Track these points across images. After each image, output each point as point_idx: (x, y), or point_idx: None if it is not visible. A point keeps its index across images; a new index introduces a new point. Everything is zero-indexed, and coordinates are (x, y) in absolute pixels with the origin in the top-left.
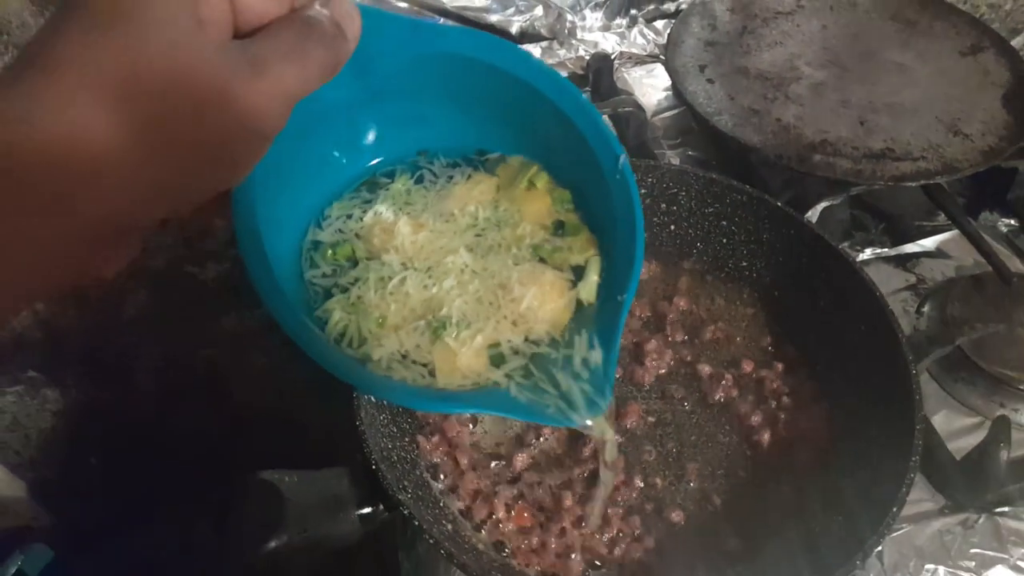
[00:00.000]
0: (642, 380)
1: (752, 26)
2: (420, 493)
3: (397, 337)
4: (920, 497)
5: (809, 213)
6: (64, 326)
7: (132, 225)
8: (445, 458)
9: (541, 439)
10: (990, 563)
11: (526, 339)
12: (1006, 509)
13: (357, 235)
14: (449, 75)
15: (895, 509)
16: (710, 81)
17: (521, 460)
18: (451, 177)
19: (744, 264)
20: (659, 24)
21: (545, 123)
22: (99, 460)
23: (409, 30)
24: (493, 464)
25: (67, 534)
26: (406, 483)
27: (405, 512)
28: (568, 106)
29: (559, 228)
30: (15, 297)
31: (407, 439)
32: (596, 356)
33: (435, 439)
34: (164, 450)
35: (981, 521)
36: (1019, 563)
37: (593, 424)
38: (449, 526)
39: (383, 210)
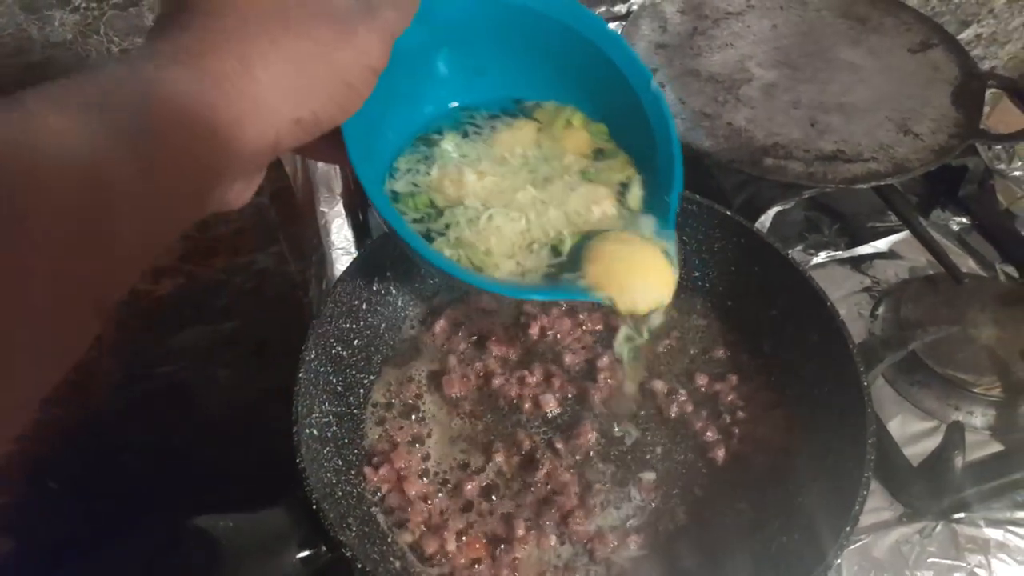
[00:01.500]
0: (595, 398)
1: (703, 27)
2: (366, 530)
3: (512, 260)
4: (878, 506)
5: (763, 217)
6: None
7: (271, 156)
8: (393, 490)
9: (491, 464)
10: (947, 572)
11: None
12: (963, 515)
13: (429, 187)
14: (494, 21)
15: (848, 528)
16: (661, 85)
17: (471, 487)
18: (494, 127)
19: (696, 275)
20: (611, 25)
21: (581, 59)
22: (60, 485)
23: None
24: (441, 494)
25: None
26: (350, 520)
27: (348, 554)
28: (600, 39)
29: (599, 155)
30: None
31: (353, 472)
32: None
33: (382, 471)
34: (124, 468)
35: (938, 529)
36: (976, 571)
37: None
38: (397, 563)
39: (446, 164)
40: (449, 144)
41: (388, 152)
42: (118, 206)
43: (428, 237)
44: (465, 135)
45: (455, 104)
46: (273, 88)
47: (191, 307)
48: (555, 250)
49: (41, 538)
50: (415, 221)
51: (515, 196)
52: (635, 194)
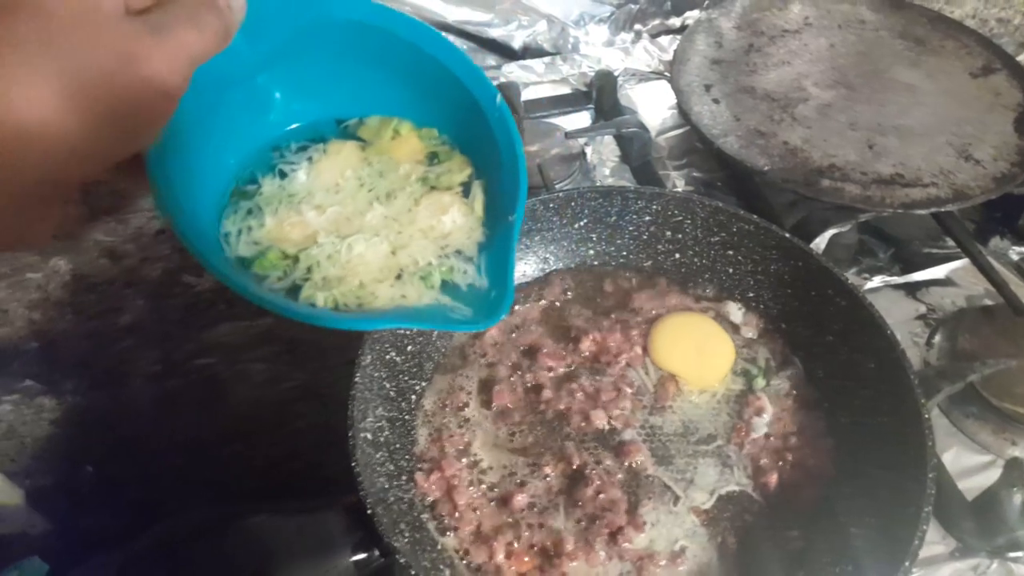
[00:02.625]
0: (645, 417)
1: (759, 44)
2: (417, 536)
3: (387, 285)
4: (931, 539)
5: (818, 240)
6: (61, 333)
7: (55, 189)
8: (443, 498)
9: (540, 477)
10: None
11: (442, 256)
12: (1019, 554)
13: (273, 239)
14: (335, 38)
15: (907, 563)
16: (715, 101)
17: (520, 499)
18: (310, 159)
19: (751, 295)
20: (664, 40)
21: (425, 76)
22: (95, 468)
23: None
24: (491, 504)
25: (62, 541)
26: (402, 526)
27: (401, 560)
28: (445, 56)
29: (434, 158)
30: None
31: (404, 477)
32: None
33: (433, 477)
34: (160, 459)
35: (993, 567)
36: None
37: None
38: (447, 571)
39: (277, 209)
40: (269, 187)
41: (215, 189)
42: None
43: (295, 288)
44: (283, 175)
45: (284, 128)
46: (41, 122)
47: (227, 303)
48: (425, 280)
49: (76, 521)
50: (280, 279)
51: (364, 219)
52: (478, 198)
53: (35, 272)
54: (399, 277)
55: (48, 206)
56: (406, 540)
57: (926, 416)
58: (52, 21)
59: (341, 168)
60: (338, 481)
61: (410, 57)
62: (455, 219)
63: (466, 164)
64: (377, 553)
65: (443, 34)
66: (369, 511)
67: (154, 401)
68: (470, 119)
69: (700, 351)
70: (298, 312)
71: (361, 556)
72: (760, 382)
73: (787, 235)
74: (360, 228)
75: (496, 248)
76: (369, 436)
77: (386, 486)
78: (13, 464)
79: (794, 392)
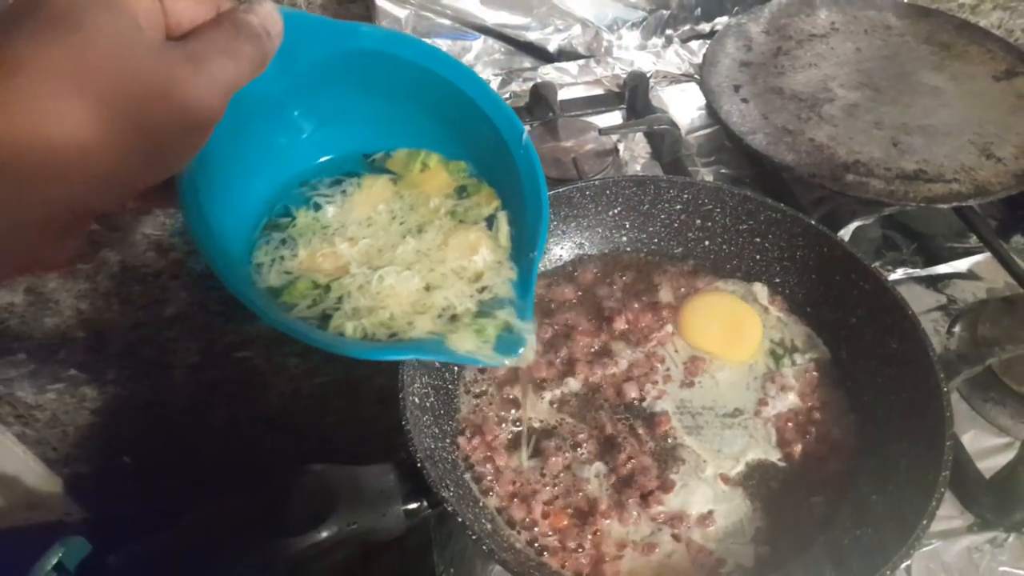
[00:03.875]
0: (676, 390)
1: (787, 47)
2: (461, 492)
3: (427, 317)
4: (949, 514)
5: (842, 232)
6: (107, 323)
7: (83, 214)
8: (484, 460)
9: (575, 444)
10: None
11: (472, 295)
12: None
13: (304, 269)
14: (365, 70)
15: (924, 522)
16: (744, 101)
17: (556, 463)
18: (344, 192)
19: (777, 281)
20: (694, 44)
21: (454, 110)
22: (133, 458)
23: (325, 28)
24: (529, 467)
25: (99, 529)
26: (448, 482)
27: (449, 508)
28: (475, 92)
29: (462, 191)
30: None
31: (448, 440)
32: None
33: (475, 441)
34: (196, 449)
35: (1010, 540)
36: None
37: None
38: (488, 525)
39: (310, 240)
40: (304, 219)
41: (247, 219)
42: None
43: (326, 317)
44: (317, 208)
45: (313, 162)
46: (81, 146)
47: None
48: (454, 318)
49: (112, 509)
50: (309, 307)
51: (396, 252)
52: (503, 231)
53: (85, 263)
54: (441, 316)
55: (72, 230)
56: (452, 493)
57: (945, 389)
58: (92, 48)
59: (374, 202)
60: (384, 436)
61: (439, 91)
62: (484, 257)
63: (493, 197)
64: (425, 504)
65: (481, 37)
66: (419, 464)
67: (193, 392)
68: (495, 154)
69: (730, 328)
70: (319, 339)
71: (412, 506)
72: (786, 361)
73: (813, 223)
74: (391, 261)
75: (516, 284)
76: (417, 400)
77: (432, 446)
78: (55, 452)
79: (819, 371)
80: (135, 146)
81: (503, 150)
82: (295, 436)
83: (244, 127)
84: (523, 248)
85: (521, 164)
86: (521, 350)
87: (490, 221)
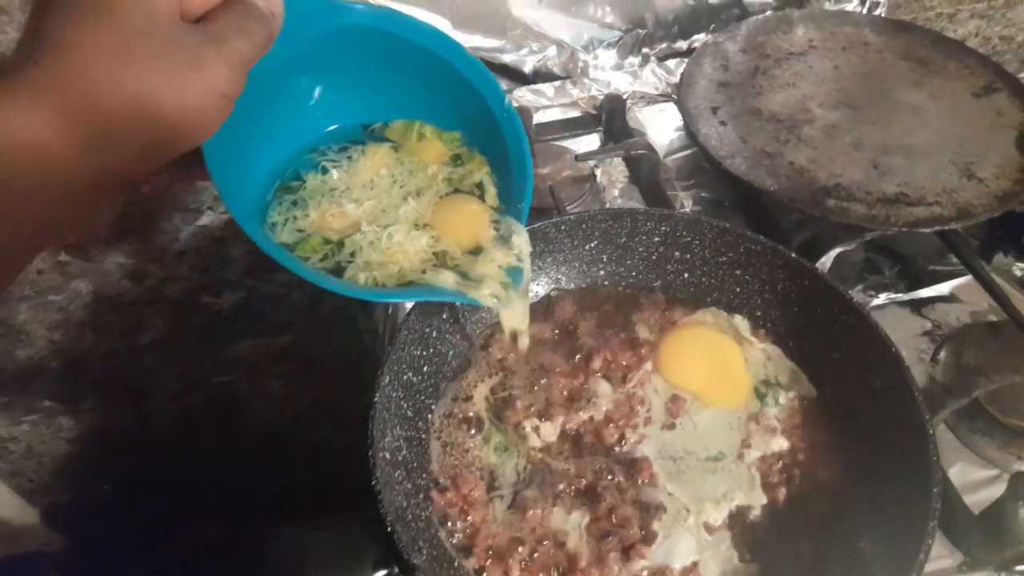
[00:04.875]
0: (657, 433)
1: (764, 66)
2: (435, 553)
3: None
4: (938, 553)
5: (823, 258)
6: (82, 353)
7: (127, 179)
8: (459, 516)
9: (554, 493)
10: None
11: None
12: None
13: (316, 227)
14: (361, 44)
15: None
16: (722, 123)
17: (534, 515)
18: (350, 158)
19: (759, 314)
20: (671, 63)
21: (442, 80)
22: (112, 486)
23: (320, 7)
24: (506, 521)
25: (79, 559)
26: (420, 543)
27: None
28: (460, 63)
29: (456, 160)
30: (21, 251)
31: (422, 496)
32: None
33: (449, 495)
34: (179, 476)
35: None
36: None
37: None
38: None
39: (320, 202)
40: (313, 183)
41: (257, 183)
42: None
43: (340, 269)
44: (325, 171)
45: (316, 133)
46: (120, 120)
47: (248, 320)
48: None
49: (93, 539)
50: (322, 261)
51: (399, 212)
52: (490, 193)
53: (57, 294)
54: (435, 266)
55: (112, 196)
56: (424, 557)
57: (931, 432)
58: (130, 28)
59: (377, 167)
60: (355, 494)
61: (428, 63)
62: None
63: (483, 163)
64: (397, 570)
65: None
66: (389, 529)
67: (174, 418)
68: (482, 119)
69: (712, 365)
70: (336, 285)
71: (382, 572)
72: (769, 400)
73: (793, 255)
74: (395, 220)
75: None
76: (388, 456)
77: (404, 504)
78: (31, 484)
79: (803, 408)
80: (173, 116)
81: (488, 115)
82: (279, 459)
83: (254, 100)
84: (512, 202)
85: (504, 126)
86: (520, 284)
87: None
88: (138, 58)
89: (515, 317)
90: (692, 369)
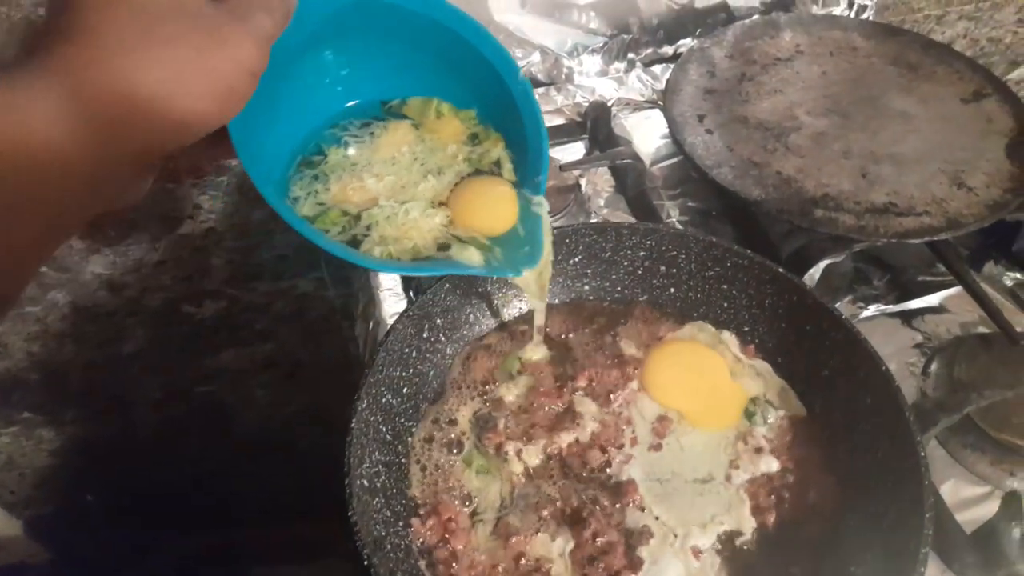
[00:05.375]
0: (644, 455)
1: (751, 73)
2: None
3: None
4: (929, 574)
5: (812, 270)
6: (61, 364)
7: (157, 157)
8: (440, 544)
9: (538, 519)
10: None
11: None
12: None
13: (336, 201)
14: (375, 21)
15: None
16: (709, 132)
17: (517, 541)
18: (372, 134)
19: (747, 329)
20: (657, 69)
21: (456, 55)
22: (97, 497)
23: None
24: (489, 548)
25: (64, 571)
26: (399, 575)
27: None
28: (473, 37)
29: (474, 139)
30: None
31: (401, 523)
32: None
33: (430, 522)
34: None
35: None
36: None
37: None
38: None
39: (341, 175)
40: (334, 157)
41: (279, 157)
42: None
43: (356, 242)
44: (346, 146)
45: (334, 108)
46: (153, 97)
47: (230, 329)
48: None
49: (77, 550)
50: (340, 233)
51: (417, 189)
52: (507, 168)
53: (34, 305)
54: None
55: (148, 171)
56: None
57: (923, 454)
58: (155, 9)
59: (398, 144)
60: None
61: (443, 38)
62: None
63: (499, 140)
64: None
65: None
66: (366, 562)
67: (158, 428)
68: (494, 92)
69: (702, 386)
70: (359, 257)
71: None
72: (759, 419)
73: (781, 270)
74: (413, 196)
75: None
76: (366, 483)
77: (383, 533)
78: (12, 496)
79: (792, 427)
80: (202, 96)
81: (501, 89)
82: (265, 468)
83: (273, 76)
84: (528, 175)
85: (519, 99)
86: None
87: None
88: (164, 39)
89: (537, 287)
90: (679, 386)
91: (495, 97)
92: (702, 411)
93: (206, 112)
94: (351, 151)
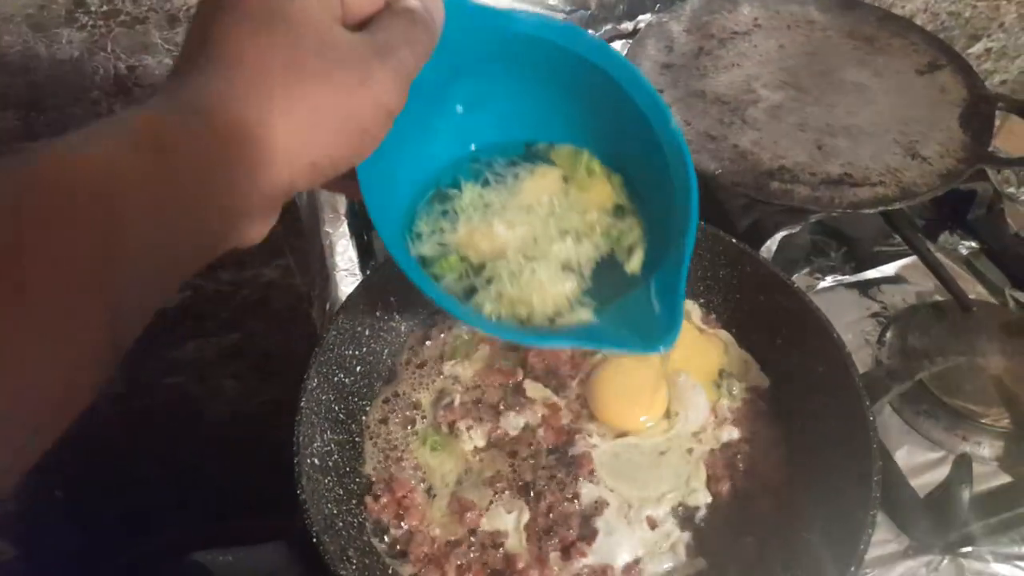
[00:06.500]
0: (596, 428)
1: (709, 47)
2: (367, 562)
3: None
4: (884, 538)
5: (768, 242)
6: None
7: (285, 197)
8: (393, 521)
9: (491, 493)
10: None
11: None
12: (969, 549)
13: (459, 245)
14: (513, 56)
15: (853, 568)
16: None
17: (471, 517)
18: (516, 175)
19: (702, 301)
20: (616, 44)
21: (596, 94)
22: (66, 493)
23: (481, 14)
24: (442, 525)
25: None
26: (351, 553)
27: None
28: (618, 73)
29: (619, 211)
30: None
31: (354, 501)
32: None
33: (384, 500)
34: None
35: (944, 563)
36: None
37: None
38: None
39: (471, 218)
40: (470, 195)
41: (405, 194)
42: (130, 249)
43: (471, 291)
44: (486, 183)
45: (472, 147)
46: (290, 136)
47: (195, 319)
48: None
49: (43, 547)
50: (457, 281)
51: (552, 248)
52: (636, 258)
53: None
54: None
55: (272, 211)
56: (354, 566)
57: (871, 419)
58: (299, 41)
59: (540, 192)
60: (281, 505)
61: (590, 78)
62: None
63: (638, 225)
64: None
65: None
66: (314, 539)
67: (122, 422)
68: (641, 146)
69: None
70: (474, 318)
71: None
72: (724, 391)
73: (734, 240)
74: (545, 255)
75: (667, 270)
76: (316, 462)
77: (334, 511)
78: None
79: (747, 399)
80: (334, 136)
81: (652, 144)
82: (237, 460)
83: (407, 112)
84: (671, 235)
85: (668, 146)
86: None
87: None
88: (312, 72)
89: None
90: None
91: (641, 153)
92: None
93: (338, 156)
94: (489, 190)
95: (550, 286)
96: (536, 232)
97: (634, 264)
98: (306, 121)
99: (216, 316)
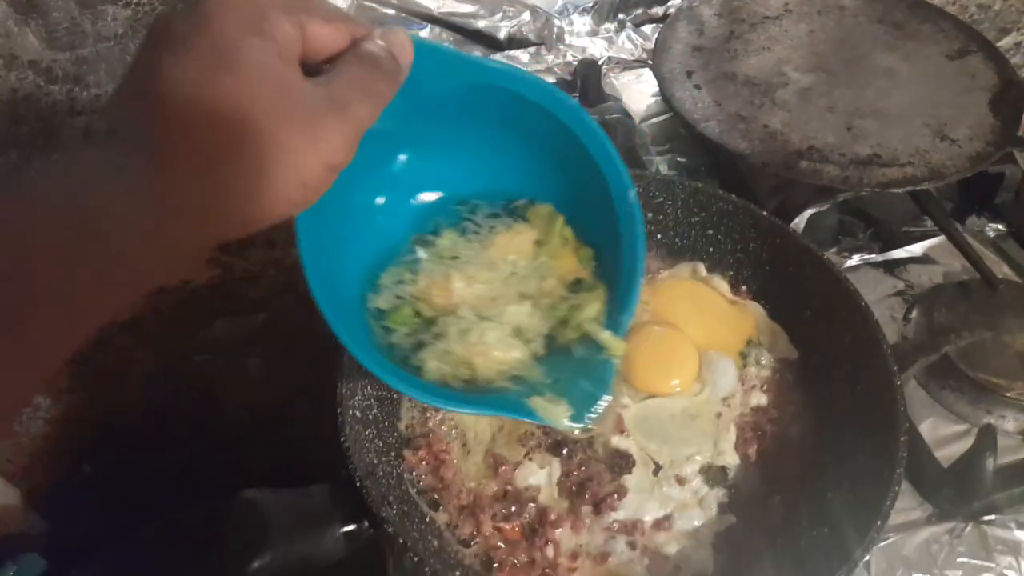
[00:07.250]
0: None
1: (739, 31)
2: (405, 509)
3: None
4: (907, 506)
5: (796, 220)
6: None
7: (200, 250)
8: (431, 473)
9: (524, 451)
10: (976, 572)
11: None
12: (992, 518)
13: (415, 297)
14: (477, 106)
15: (879, 522)
16: (697, 87)
17: (506, 473)
18: (493, 227)
19: (731, 273)
20: (647, 29)
21: (565, 156)
22: (93, 467)
23: (451, 60)
24: (477, 478)
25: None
26: (391, 499)
27: (389, 530)
28: (580, 129)
29: (576, 285)
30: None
31: (393, 454)
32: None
33: (421, 453)
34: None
35: (968, 530)
36: (1006, 572)
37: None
38: (435, 542)
39: (434, 269)
40: (446, 241)
41: (363, 245)
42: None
43: (419, 346)
44: (463, 232)
45: (438, 195)
46: (221, 192)
47: (223, 298)
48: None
49: (74, 521)
50: (407, 335)
51: (507, 309)
52: (592, 327)
53: None
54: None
55: (199, 255)
56: (394, 511)
57: (898, 383)
58: (250, 92)
59: (509, 250)
60: (325, 456)
61: (556, 135)
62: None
63: (600, 299)
64: (366, 524)
65: (428, 26)
66: (358, 483)
67: (152, 399)
68: (597, 205)
69: (707, 314)
70: (405, 384)
71: (350, 528)
72: (751, 360)
73: (765, 214)
74: (500, 316)
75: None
76: (358, 414)
77: (375, 461)
78: (11, 464)
79: (775, 367)
80: (275, 190)
81: (607, 203)
82: (261, 440)
83: (358, 158)
84: (612, 311)
85: (623, 225)
86: (590, 420)
87: None
88: (258, 131)
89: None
90: (685, 316)
91: (597, 211)
92: (709, 337)
93: (275, 212)
94: (464, 241)
95: (497, 351)
96: (495, 291)
97: (589, 328)
98: (244, 180)
99: (244, 296)
